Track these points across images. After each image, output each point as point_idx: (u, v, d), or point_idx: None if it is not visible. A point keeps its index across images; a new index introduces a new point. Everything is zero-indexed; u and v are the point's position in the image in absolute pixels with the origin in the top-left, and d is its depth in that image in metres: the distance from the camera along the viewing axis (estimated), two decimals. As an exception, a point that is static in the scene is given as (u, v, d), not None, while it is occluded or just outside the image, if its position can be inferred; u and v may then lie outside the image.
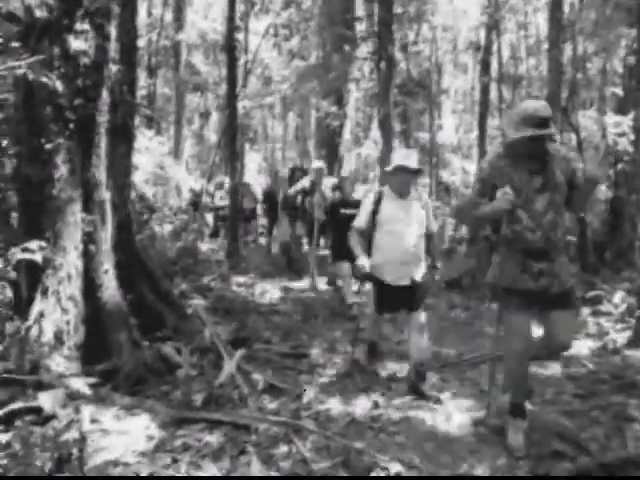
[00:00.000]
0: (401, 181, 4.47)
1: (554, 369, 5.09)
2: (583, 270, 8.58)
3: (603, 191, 10.07)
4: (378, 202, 4.56)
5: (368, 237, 4.59)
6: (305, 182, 9.24)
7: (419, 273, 4.51)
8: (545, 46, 11.39)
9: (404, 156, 4.48)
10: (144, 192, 12.13)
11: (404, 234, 4.43)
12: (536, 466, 3.33)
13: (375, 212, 4.53)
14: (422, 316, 4.46)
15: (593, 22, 10.75)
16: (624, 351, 5.43)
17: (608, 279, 7.91)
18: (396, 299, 4.55)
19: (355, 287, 6.63)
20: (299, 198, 9.35)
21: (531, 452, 3.48)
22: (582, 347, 5.66)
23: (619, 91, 10.47)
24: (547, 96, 9.21)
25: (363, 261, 4.43)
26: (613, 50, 10.71)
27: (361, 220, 4.64)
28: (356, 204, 5.87)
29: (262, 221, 14.72)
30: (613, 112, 10.17)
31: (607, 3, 10.33)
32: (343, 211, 7.02)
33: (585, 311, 6.85)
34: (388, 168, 4.56)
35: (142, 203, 11.31)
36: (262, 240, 14.17)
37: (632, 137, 8.61)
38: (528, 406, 3.76)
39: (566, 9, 10.61)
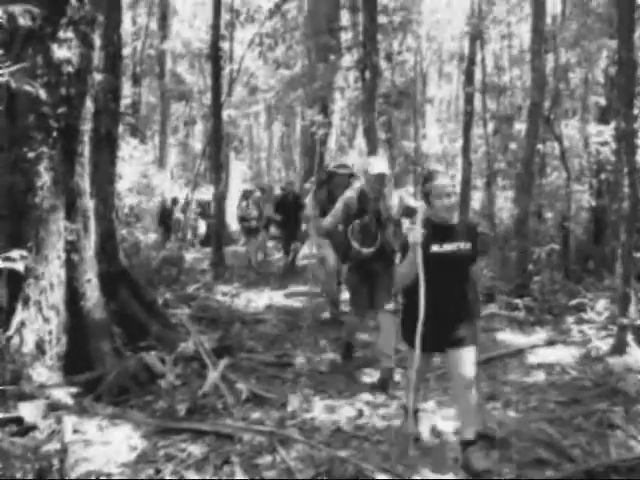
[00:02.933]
0: None
1: (538, 376, 5.12)
2: (566, 278, 8.64)
3: (586, 200, 10.17)
4: None
5: None
6: (350, 196, 5.06)
7: None
8: (528, 56, 11.51)
9: None
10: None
11: None
12: (520, 473, 3.34)
13: None
14: None
15: (575, 33, 10.89)
16: (607, 358, 5.46)
17: (591, 287, 7.96)
18: None
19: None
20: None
21: (515, 459, 3.49)
22: (566, 354, 5.70)
23: (602, 100, 10.60)
24: (530, 106, 9.29)
25: None
26: (595, 60, 10.84)
27: None
28: (470, 233, 3.57)
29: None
30: (595, 121, 10.31)
31: (588, 14, 10.49)
32: (436, 249, 3.45)
33: (569, 319, 6.90)
34: None
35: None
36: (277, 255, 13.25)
37: (614, 146, 8.71)
38: (511, 414, 3.76)
39: (548, 20, 10.73)
